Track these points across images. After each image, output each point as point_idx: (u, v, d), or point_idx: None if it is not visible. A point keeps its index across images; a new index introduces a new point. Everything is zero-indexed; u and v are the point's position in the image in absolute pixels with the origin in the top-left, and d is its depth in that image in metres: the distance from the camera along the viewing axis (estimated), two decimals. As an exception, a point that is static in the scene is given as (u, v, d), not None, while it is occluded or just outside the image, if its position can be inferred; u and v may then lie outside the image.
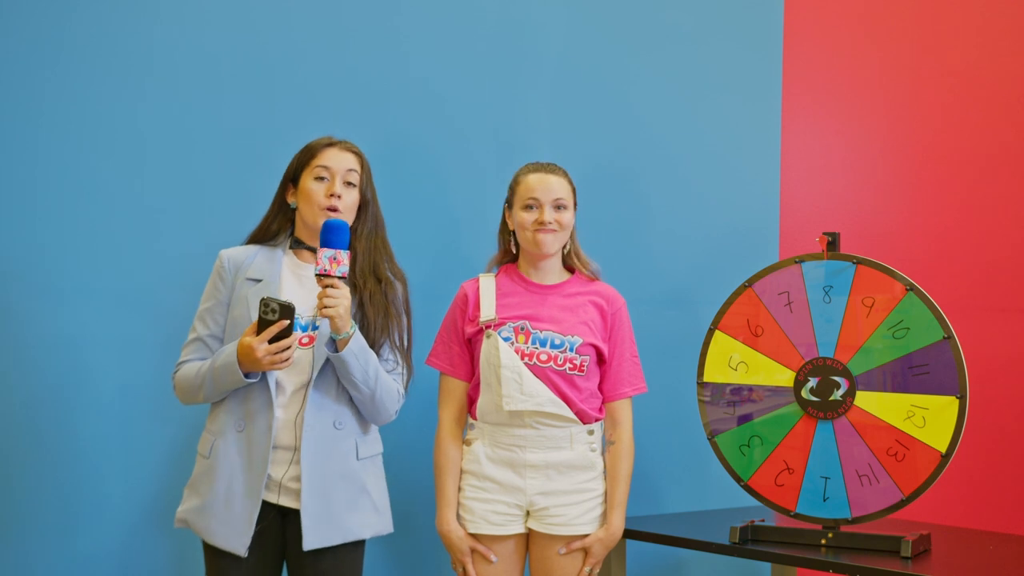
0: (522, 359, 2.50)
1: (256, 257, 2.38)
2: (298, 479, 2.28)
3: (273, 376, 2.29)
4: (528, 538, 2.57)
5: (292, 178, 2.42)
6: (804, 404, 2.55)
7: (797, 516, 2.55)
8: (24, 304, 2.68)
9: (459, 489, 2.56)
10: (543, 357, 2.51)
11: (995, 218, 3.39)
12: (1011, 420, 3.32)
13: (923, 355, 2.44)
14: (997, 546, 2.59)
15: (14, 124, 2.69)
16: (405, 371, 2.44)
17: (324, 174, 2.38)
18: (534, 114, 3.17)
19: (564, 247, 2.61)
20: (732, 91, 3.36)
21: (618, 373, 2.59)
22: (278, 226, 2.45)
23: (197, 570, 2.53)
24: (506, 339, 2.51)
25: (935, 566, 2.32)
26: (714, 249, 3.30)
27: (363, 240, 2.43)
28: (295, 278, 2.39)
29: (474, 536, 2.54)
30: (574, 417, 2.52)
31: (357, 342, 2.28)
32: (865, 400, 2.49)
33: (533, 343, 2.51)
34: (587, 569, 2.54)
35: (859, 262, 2.53)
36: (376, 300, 2.39)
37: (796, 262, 2.60)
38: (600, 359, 2.58)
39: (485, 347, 2.51)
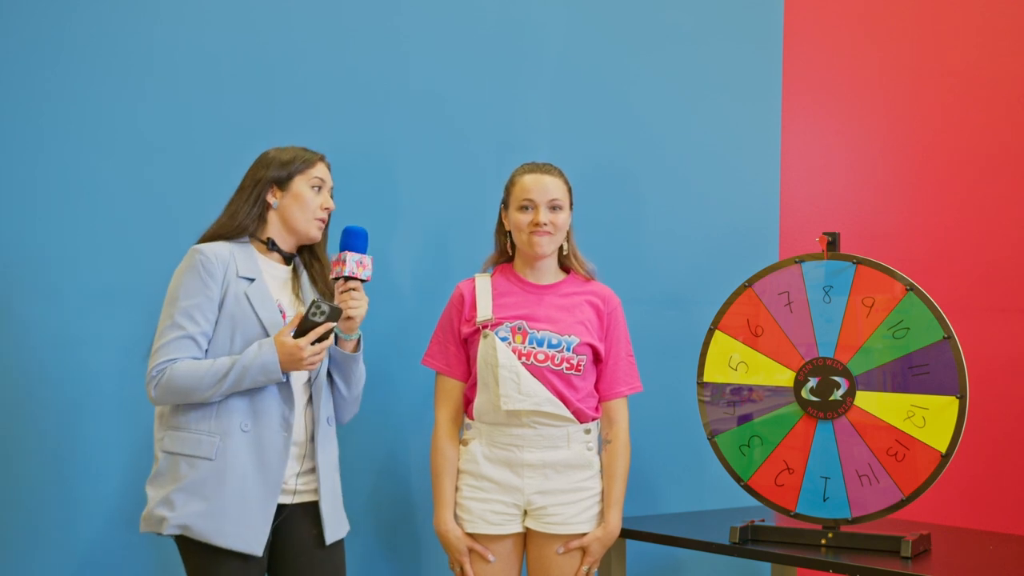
0: (519, 359, 2.50)
1: (237, 254, 2.35)
2: (306, 474, 2.35)
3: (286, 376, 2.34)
4: (526, 537, 2.57)
5: (277, 180, 2.39)
6: (804, 404, 2.55)
7: (797, 516, 2.55)
8: (24, 304, 2.67)
9: (456, 489, 2.56)
10: (540, 357, 2.51)
11: (995, 218, 3.39)
12: (1011, 420, 3.32)
13: (923, 355, 2.44)
14: (997, 546, 2.59)
15: (14, 124, 2.69)
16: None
17: (320, 184, 2.41)
18: (534, 114, 3.17)
19: (561, 248, 2.61)
20: (732, 91, 3.36)
21: (614, 372, 2.59)
22: (251, 223, 2.40)
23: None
24: (503, 339, 2.50)
25: (935, 566, 2.32)
26: (714, 249, 3.30)
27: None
28: (272, 279, 2.39)
29: (472, 536, 2.54)
30: (571, 416, 2.52)
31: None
32: (865, 400, 2.49)
33: (530, 343, 2.51)
34: (585, 568, 2.54)
35: (859, 262, 2.53)
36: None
37: (796, 262, 2.60)
38: (596, 358, 2.58)
39: (482, 347, 2.51)
